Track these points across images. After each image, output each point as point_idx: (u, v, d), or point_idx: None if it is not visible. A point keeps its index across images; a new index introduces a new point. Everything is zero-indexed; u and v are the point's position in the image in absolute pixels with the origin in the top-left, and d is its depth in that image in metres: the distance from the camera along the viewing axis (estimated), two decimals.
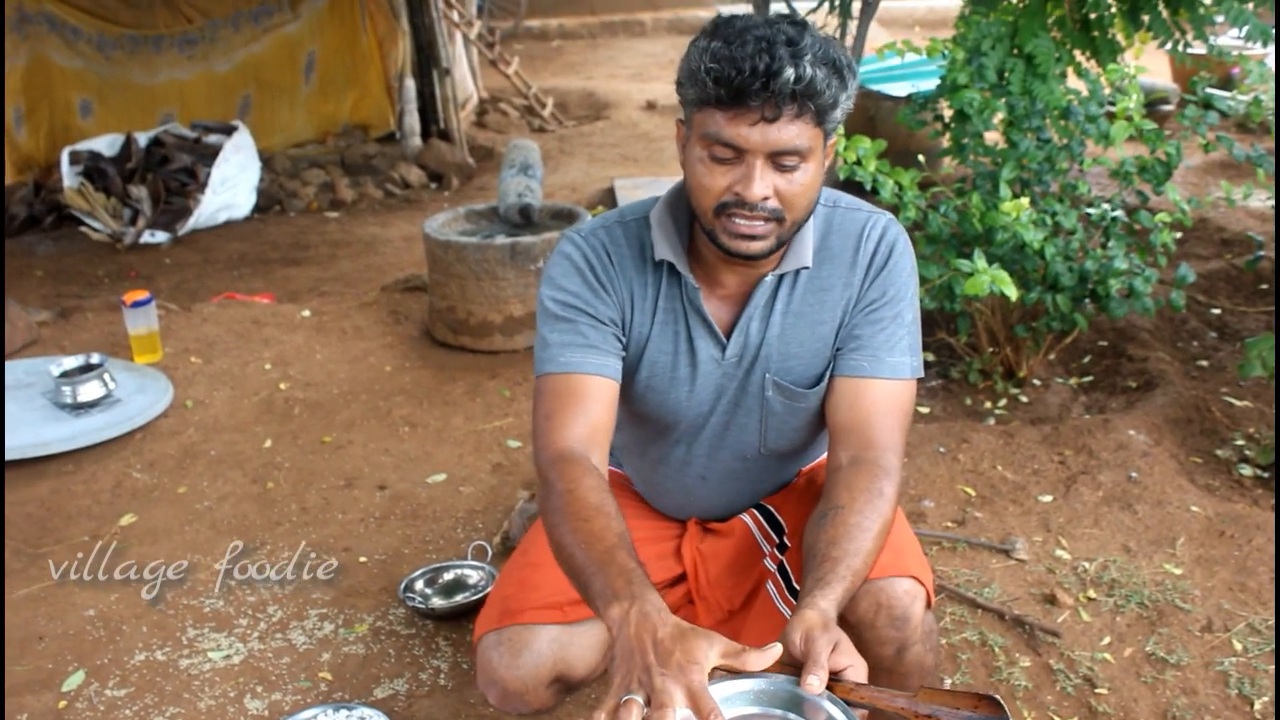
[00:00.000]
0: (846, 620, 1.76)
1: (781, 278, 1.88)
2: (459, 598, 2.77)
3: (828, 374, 1.92)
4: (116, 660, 2.63)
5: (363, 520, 3.23)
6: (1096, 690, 2.52)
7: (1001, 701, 1.49)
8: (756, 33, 1.62)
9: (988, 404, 3.94)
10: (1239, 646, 2.63)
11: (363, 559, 3.02)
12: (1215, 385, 3.94)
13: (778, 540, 2.08)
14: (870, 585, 1.81)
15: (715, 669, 1.50)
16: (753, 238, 1.74)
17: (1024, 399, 3.97)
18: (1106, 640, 2.67)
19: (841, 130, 3.42)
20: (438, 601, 2.78)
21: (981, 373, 4.07)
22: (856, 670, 1.52)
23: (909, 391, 1.90)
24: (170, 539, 3.14)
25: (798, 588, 1.70)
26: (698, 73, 1.65)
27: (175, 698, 2.49)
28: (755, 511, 2.14)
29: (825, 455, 2.13)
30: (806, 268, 1.87)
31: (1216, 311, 4.59)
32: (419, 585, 2.83)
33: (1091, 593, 2.82)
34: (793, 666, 1.53)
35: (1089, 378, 4.14)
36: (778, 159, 1.67)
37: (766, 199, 1.70)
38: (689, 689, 1.40)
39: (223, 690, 2.51)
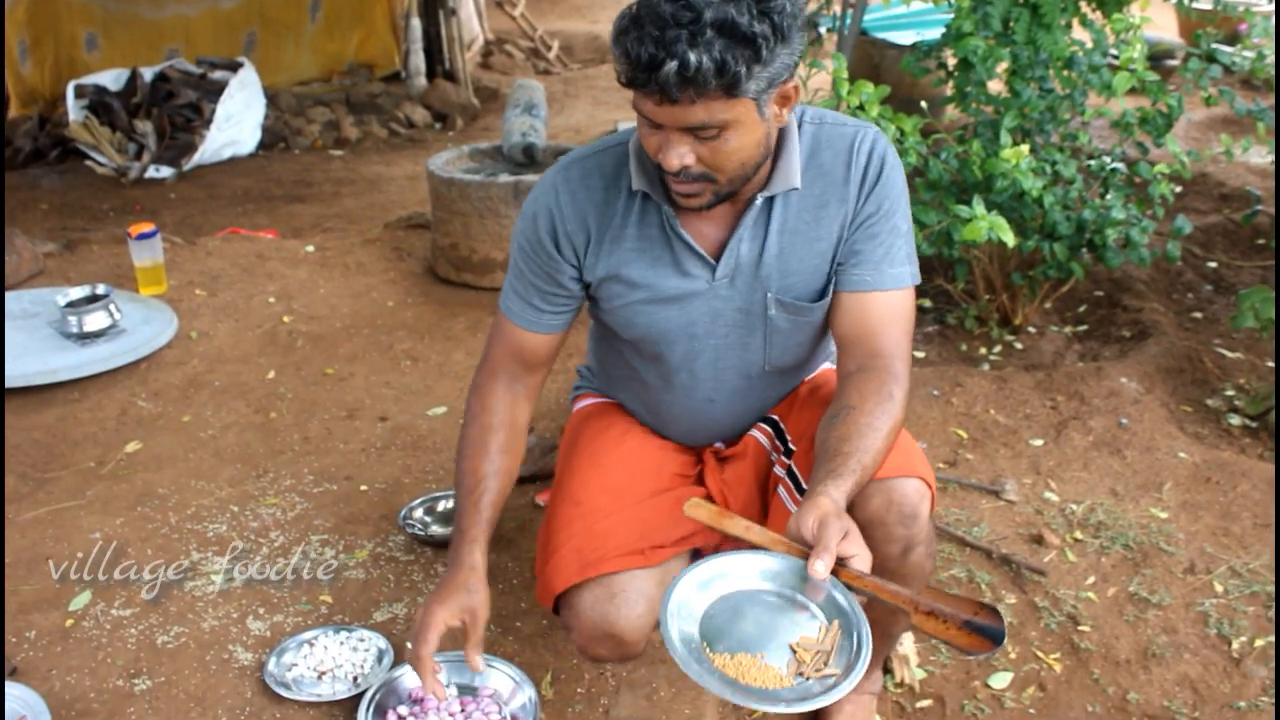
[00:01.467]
0: (856, 518, 1.82)
1: (771, 199, 1.91)
2: None
3: (830, 288, 1.96)
4: (122, 581, 2.68)
5: (364, 450, 3.28)
6: (1079, 627, 2.58)
7: (1000, 613, 1.55)
8: (661, 10, 1.58)
9: (982, 350, 3.98)
10: (1220, 588, 2.68)
11: (363, 488, 3.07)
12: (1208, 336, 3.98)
13: (784, 447, 2.14)
14: (881, 484, 1.87)
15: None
16: (688, 195, 1.78)
17: (1019, 346, 4.01)
18: (1091, 580, 2.73)
19: (844, 72, 3.44)
20: (437, 529, 2.83)
21: (977, 319, 4.11)
22: (862, 560, 1.60)
23: (910, 299, 1.95)
24: (175, 466, 3.19)
25: (806, 488, 1.76)
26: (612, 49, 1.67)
27: (180, 618, 2.54)
28: (763, 425, 2.20)
29: (826, 366, 2.23)
30: (796, 188, 1.89)
31: (1212, 265, 4.63)
32: (418, 514, 2.88)
33: (1078, 534, 2.88)
34: (803, 549, 1.61)
35: (1083, 326, 4.18)
36: (695, 131, 1.68)
37: (686, 167, 1.72)
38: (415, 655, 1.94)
39: (225, 611, 2.57)
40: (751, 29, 1.58)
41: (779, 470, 2.12)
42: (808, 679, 1.54)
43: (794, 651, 1.58)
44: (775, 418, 2.19)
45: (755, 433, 2.20)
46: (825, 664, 1.55)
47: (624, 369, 2.22)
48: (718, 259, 1.94)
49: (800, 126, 1.90)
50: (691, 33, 1.56)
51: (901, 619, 1.93)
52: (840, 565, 1.58)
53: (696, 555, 2.10)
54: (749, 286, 1.96)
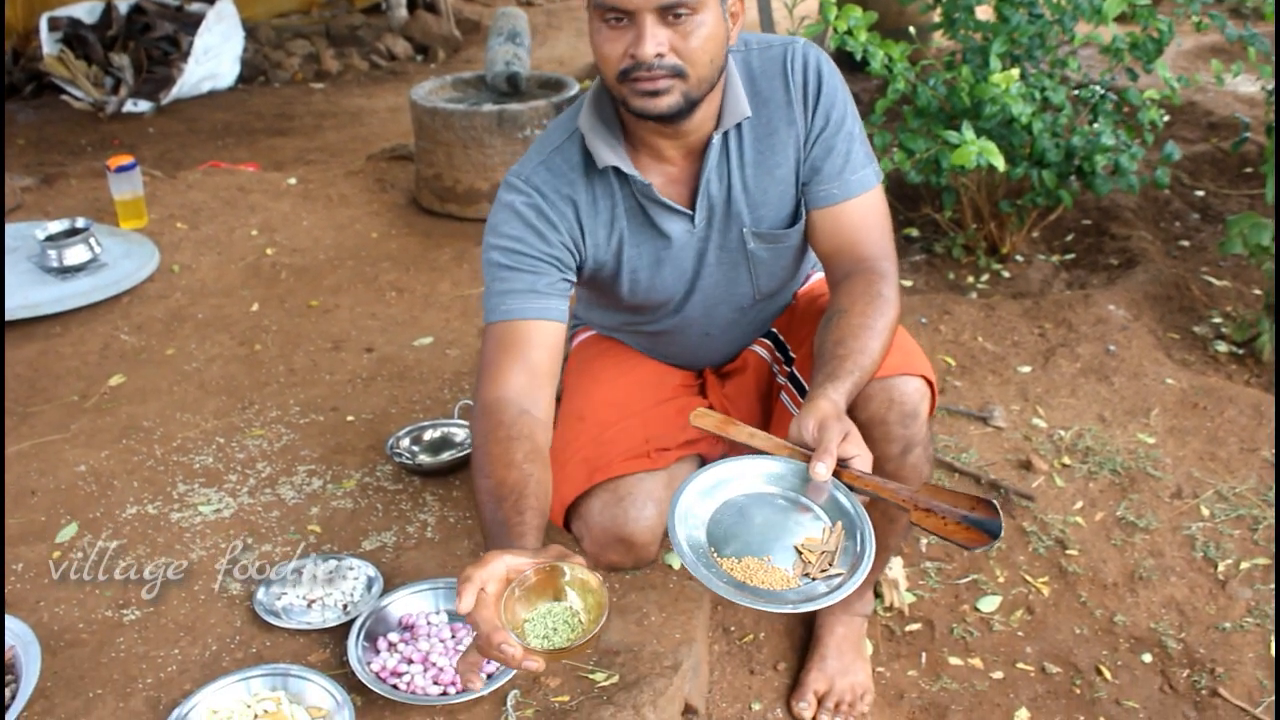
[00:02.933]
0: (858, 418, 1.84)
1: (726, 135, 1.91)
2: (446, 455, 2.81)
3: (801, 210, 1.98)
4: (108, 513, 2.67)
5: (350, 381, 3.26)
6: (1067, 551, 2.59)
7: (998, 506, 1.57)
8: None
9: (970, 278, 3.97)
10: (1206, 512, 2.70)
11: (350, 418, 3.05)
12: (1195, 265, 3.98)
13: (785, 357, 2.18)
14: (883, 383, 1.88)
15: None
16: (656, 93, 1.74)
17: (1006, 274, 4.00)
18: (1079, 505, 2.74)
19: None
20: (424, 458, 2.82)
21: (965, 248, 4.09)
22: (863, 460, 1.63)
23: (880, 197, 1.97)
24: (159, 398, 3.17)
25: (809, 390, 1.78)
26: None
27: (167, 549, 2.53)
28: (763, 339, 2.24)
29: (817, 275, 2.26)
30: (749, 117, 1.89)
31: (1200, 193, 4.61)
32: (405, 443, 2.87)
33: (1066, 459, 2.89)
34: (805, 452, 1.64)
35: (1071, 255, 4.17)
36: (666, 14, 1.68)
37: (661, 55, 1.70)
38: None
39: (213, 542, 2.56)
40: None
41: (781, 378, 2.15)
42: (813, 580, 1.56)
43: (799, 553, 1.60)
44: (775, 330, 2.23)
45: (755, 347, 2.24)
46: (830, 564, 1.58)
47: (616, 319, 2.26)
48: (693, 207, 1.95)
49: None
50: None
51: (901, 518, 2.01)
52: (842, 466, 1.61)
53: (701, 461, 2.14)
54: (724, 225, 1.98)
